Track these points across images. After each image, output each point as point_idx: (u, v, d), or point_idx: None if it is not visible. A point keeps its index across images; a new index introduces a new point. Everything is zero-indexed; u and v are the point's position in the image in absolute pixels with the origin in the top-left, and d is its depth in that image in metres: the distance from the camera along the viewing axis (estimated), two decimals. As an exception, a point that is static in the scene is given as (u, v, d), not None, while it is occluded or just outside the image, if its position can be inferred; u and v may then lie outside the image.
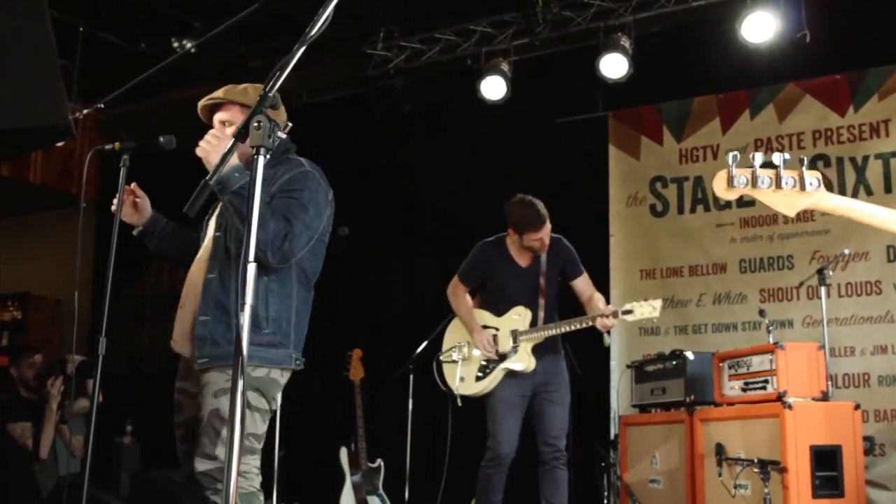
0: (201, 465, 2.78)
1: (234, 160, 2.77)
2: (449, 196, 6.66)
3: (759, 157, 1.97)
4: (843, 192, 5.53)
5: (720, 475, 4.41)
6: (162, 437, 6.44)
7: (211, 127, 3.09)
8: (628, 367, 5.58)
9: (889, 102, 5.61)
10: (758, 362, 4.49)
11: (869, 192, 5.56)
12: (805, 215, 5.71)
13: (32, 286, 8.59)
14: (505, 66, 6.27)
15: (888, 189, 5.52)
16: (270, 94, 1.95)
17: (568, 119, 6.42)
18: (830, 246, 5.54)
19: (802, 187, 1.97)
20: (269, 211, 2.76)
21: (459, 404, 4.68)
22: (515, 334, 4.60)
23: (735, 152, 1.99)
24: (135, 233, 3.27)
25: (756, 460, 4.11)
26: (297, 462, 5.99)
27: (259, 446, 2.87)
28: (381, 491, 5.74)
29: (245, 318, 1.86)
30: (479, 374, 4.62)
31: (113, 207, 3.18)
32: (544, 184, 6.26)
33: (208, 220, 3.17)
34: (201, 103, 3.13)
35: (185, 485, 5.00)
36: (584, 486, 5.46)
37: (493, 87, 6.29)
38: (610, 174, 6.40)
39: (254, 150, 1.94)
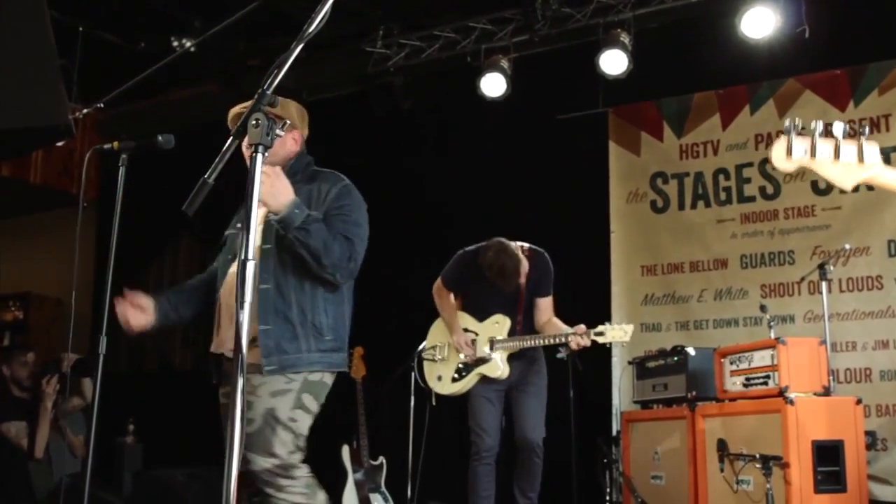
0: (264, 463, 2.82)
1: (290, 194, 2.78)
2: (449, 193, 6.65)
3: (819, 126, 1.90)
4: (843, 186, 5.52)
5: (722, 471, 4.41)
6: (164, 437, 6.48)
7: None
8: (630, 363, 5.59)
9: (889, 97, 5.60)
10: (759, 358, 4.49)
11: (869, 188, 5.52)
12: (806, 210, 5.72)
13: (33, 286, 8.60)
14: (505, 63, 6.26)
15: (889, 184, 5.51)
16: (268, 92, 1.94)
17: (568, 116, 6.41)
18: (831, 241, 5.53)
19: (861, 159, 1.91)
20: (329, 235, 2.85)
21: (434, 403, 4.83)
22: (493, 342, 4.66)
23: (796, 120, 1.91)
24: (150, 329, 3.09)
25: (758, 455, 4.11)
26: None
27: (303, 446, 2.93)
28: (383, 488, 5.75)
29: (244, 316, 1.86)
30: (455, 376, 4.74)
31: (134, 324, 2.99)
32: (544, 180, 6.29)
33: (236, 233, 3.11)
34: (235, 110, 3.04)
35: (188, 483, 5.02)
36: (586, 482, 5.46)
37: (493, 84, 6.28)
38: (610, 170, 6.39)
39: (252, 148, 1.93)
